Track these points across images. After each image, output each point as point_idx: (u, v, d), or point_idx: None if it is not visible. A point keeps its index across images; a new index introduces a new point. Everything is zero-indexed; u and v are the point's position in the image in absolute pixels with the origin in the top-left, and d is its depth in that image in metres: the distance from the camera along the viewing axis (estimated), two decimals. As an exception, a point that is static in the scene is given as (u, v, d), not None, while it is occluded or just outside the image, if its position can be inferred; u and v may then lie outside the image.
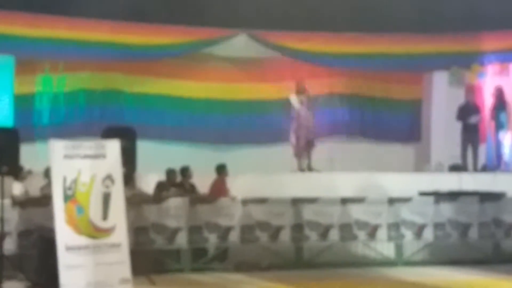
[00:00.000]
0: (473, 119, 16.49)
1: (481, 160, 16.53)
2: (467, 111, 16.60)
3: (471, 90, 17.51)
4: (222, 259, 12.67)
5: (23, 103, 15.94)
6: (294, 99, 16.22)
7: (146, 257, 11.81)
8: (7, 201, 11.07)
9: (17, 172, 11.83)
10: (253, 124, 17.58)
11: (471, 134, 16.43)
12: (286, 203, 12.85)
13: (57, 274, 10.21)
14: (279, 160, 16.28)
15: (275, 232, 12.70)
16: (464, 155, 16.40)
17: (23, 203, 11.71)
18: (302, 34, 16.98)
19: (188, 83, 17.34)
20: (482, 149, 16.63)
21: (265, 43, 17.13)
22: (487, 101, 17.24)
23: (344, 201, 13.07)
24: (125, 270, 10.66)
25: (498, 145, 16.60)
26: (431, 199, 13.47)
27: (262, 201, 12.77)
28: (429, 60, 17.52)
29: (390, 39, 17.22)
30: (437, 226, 13.32)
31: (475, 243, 13.46)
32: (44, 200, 11.18)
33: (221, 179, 13.43)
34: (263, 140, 17.37)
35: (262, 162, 16.42)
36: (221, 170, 13.48)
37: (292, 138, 16.02)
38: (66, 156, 10.57)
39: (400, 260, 13.18)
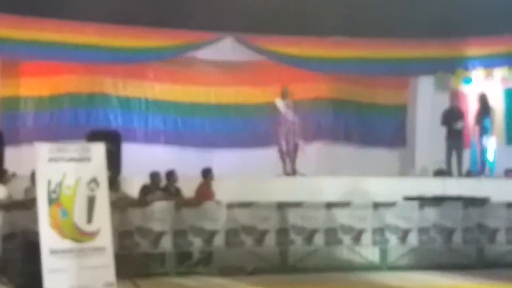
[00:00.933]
0: (458, 125, 16.53)
1: (465, 165, 16.58)
2: (452, 117, 16.65)
3: (456, 96, 17.58)
4: (207, 263, 12.65)
5: (8, 106, 15.90)
6: (280, 103, 16.25)
7: (131, 261, 11.77)
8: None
9: (1, 175, 11.80)
10: (238, 128, 17.61)
11: (455, 140, 16.46)
12: (271, 207, 12.83)
13: (41, 278, 10.15)
14: (264, 164, 16.30)
15: (260, 236, 12.68)
16: (448, 160, 16.44)
17: (6, 206, 11.63)
18: (289, 38, 17.03)
19: (174, 87, 17.35)
20: (466, 154, 16.68)
21: (251, 47, 17.17)
22: (472, 106, 17.32)
23: (329, 205, 13.08)
24: (110, 274, 10.61)
25: (482, 151, 16.67)
26: (415, 203, 13.49)
27: (247, 205, 12.75)
28: (414, 65, 17.61)
29: (376, 44, 17.30)
30: (422, 230, 13.35)
31: (459, 248, 13.50)
32: (29, 203, 11.11)
33: (206, 183, 13.41)
34: (249, 144, 17.39)
35: (247, 166, 16.45)
36: (206, 173, 13.46)
37: (281, 142, 16.03)
38: (51, 159, 10.51)
39: (384, 265, 13.20)
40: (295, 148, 16.10)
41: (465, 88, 17.77)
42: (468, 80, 17.74)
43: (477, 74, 17.67)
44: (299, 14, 16.33)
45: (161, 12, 15.84)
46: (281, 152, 16.10)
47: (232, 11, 15.97)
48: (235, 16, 16.03)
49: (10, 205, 11.74)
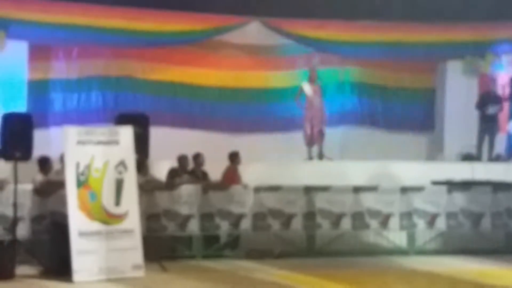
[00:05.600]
0: (491, 110, 16.34)
1: (497, 150, 16.42)
2: (487, 101, 16.45)
3: (487, 80, 17.39)
4: (234, 246, 12.68)
5: (37, 89, 16.01)
6: (307, 87, 16.21)
7: (158, 243, 11.83)
8: (19, 186, 11.09)
9: (44, 164, 11.88)
10: (265, 112, 17.56)
11: (489, 124, 16.28)
12: (299, 191, 12.82)
13: (69, 260, 10.26)
14: (291, 148, 16.29)
15: (287, 220, 12.69)
16: (480, 145, 16.28)
17: (43, 191, 11.66)
18: (316, 22, 16.94)
19: (201, 71, 17.33)
20: (500, 139, 16.48)
21: (278, 31, 17.09)
22: (501, 91, 17.17)
23: (357, 189, 13.04)
24: (137, 256, 10.71)
25: (510, 135, 16.52)
26: (443, 188, 13.42)
27: (274, 188, 12.75)
28: (443, 49, 17.44)
29: (404, 28, 17.16)
30: (450, 215, 13.28)
31: (488, 233, 13.42)
32: (58, 185, 11.17)
33: (233, 166, 13.41)
34: (276, 128, 17.35)
35: (274, 150, 16.43)
36: (234, 157, 13.46)
37: (306, 127, 16.01)
38: (80, 142, 10.62)
39: (412, 249, 13.16)
40: (321, 132, 16.08)
41: (494, 73, 17.58)
42: (497, 65, 17.56)
43: (507, 58, 17.48)
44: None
45: (189, -4, 15.86)
46: (306, 136, 16.09)
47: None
48: (262, -1, 16.01)
49: (44, 190, 11.70)
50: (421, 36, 17.27)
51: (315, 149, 16.08)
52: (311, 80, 16.35)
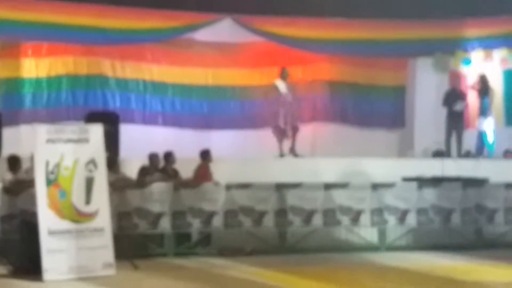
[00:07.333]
0: (458, 106, 16.53)
1: (467, 146, 16.57)
2: (453, 98, 16.64)
3: (457, 77, 17.56)
4: (206, 244, 12.66)
5: (6, 87, 15.90)
6: (280, 84, 16.24)
7: (129, 241, 11.78)
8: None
9: (14, 163, 11.79)
10: (236, 110, 17.59)
11: (456, 121, 16.47)
12: (270, 188, 12.82)
13: (39, 259, 10.19)
14: (262, 145, 16.31)
15: (258, 217, 12.68)
16: (448, 141, 16.45)
17: (12, 190, 11.55)
18: (287, 19, 17.00)
19: (171, 68, 17.32)
20: (470, 135, 16.64)
21: (250, 28, 17.12)
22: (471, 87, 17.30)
23: (328, 186, 13.07)
24: (108, 254, 10.65)
25: (481, 131, 16.66)
26: (414, 184, 13.49)
27: (245, 186, 12.74)
28: (413, 46, 17.56)
29: (374, 25, 17.26)
30: (420, 211, 13.35)
31: (458, 228, 13.51)
32: (28, 184, 11.09)
33: (205, 164, 13.41)
34: (247, 125, 17.38)
35: (245, 147, 16.45)
36: (205, 155, 13.46)
37: (279, 123, 16.01)
38: (49, 140, 10.53)
39: (383, 245, 13.21)
40: (294, 129, 16.11)
41: (464, 69, 17.73)
42: (467, 61, 17.71)
43: (476, 55, 17.63)
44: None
45: (159, -7, 15.83)
46: (278, 133, 16.10)
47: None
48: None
49: (13, 188, 11.61)
50: (392, 33, 17.38)
51: (286, 146, 16.10)
52: (283, 77, 16.36)
